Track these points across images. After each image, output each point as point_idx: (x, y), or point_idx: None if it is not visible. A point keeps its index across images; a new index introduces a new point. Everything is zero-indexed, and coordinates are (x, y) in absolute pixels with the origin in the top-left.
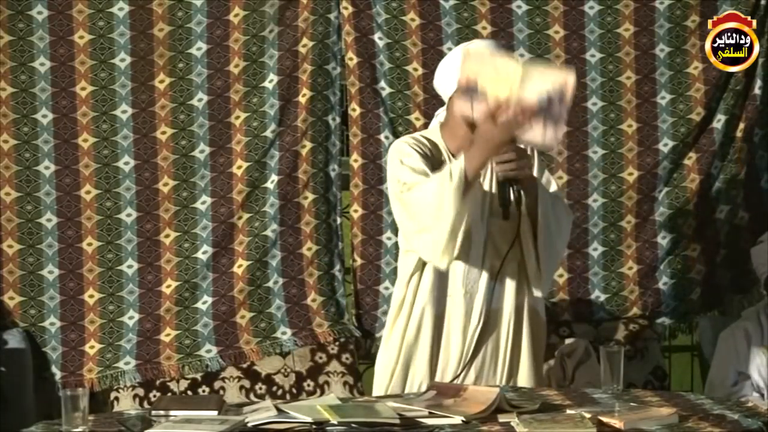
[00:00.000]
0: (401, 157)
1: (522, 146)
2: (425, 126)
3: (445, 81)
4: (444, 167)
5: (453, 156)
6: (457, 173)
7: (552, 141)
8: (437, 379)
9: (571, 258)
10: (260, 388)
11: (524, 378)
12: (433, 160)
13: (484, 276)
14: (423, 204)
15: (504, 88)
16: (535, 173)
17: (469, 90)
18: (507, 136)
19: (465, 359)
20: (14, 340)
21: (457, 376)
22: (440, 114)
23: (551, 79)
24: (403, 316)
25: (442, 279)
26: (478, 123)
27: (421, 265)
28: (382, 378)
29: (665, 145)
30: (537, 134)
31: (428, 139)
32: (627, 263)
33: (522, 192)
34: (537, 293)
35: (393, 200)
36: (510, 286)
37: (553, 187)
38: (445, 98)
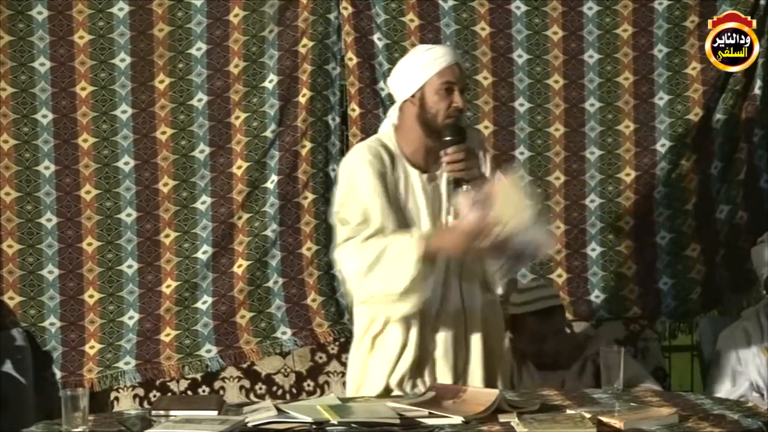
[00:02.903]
0: (357, 187)
1: (471, 147)
2: None
3: (401, 83)
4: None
5: (407, 159)
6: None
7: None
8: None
9: (569, 258)
10: (260, 388)
11: (477, 376)
12: (386, 176)
13: (454, 274)
14: (377, 260)
15: (507, 219)
16: (487, 170)
17: (484, 201)
18: (468, 250)
19: (433, 357)
20: (14, 340)
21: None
22: (392, 115)
23: (536, 239)
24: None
25: None
26: (463, 226)
27: None
28: (359, 377)
29: (663, 145)
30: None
31: (383, 146)
32: (626, 263)
33: (473, 192)
34: (497, 290)
35: (339, 226)
36: (476, 282)
37: (519, 173)
38: (399, 100)
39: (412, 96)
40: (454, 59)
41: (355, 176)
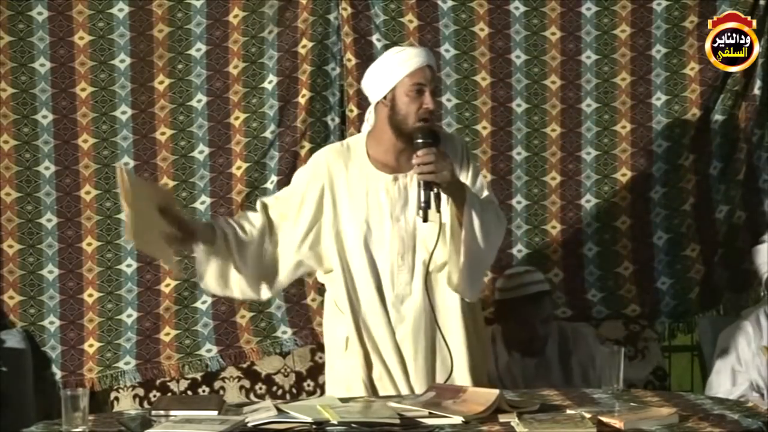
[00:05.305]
0: (299, 172)
1: (445, 151)
2: None
3: (373, 84)
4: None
5: (374, 160)
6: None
7: None
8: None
9: (565, 257)
10: (260, 388)
11: (463, 377)
12: (340, 176)
13: (417, 277)
14: None
15: None
16: (467, 180)
17: None
18: None
19: (401, 363)
20: (14, 339)
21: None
22: (370, 118)
23: None
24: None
25: (368, 284)
26: None
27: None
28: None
29: (659, 146)
30: None
31: (348, 148)
32: (623, 263)
33: (443, 195)
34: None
35: None
36: (443, 285)
37: (485, 193)
38: (372, 102)
39: (384, 97)
40: (425, 61)
41: (305, 166)
